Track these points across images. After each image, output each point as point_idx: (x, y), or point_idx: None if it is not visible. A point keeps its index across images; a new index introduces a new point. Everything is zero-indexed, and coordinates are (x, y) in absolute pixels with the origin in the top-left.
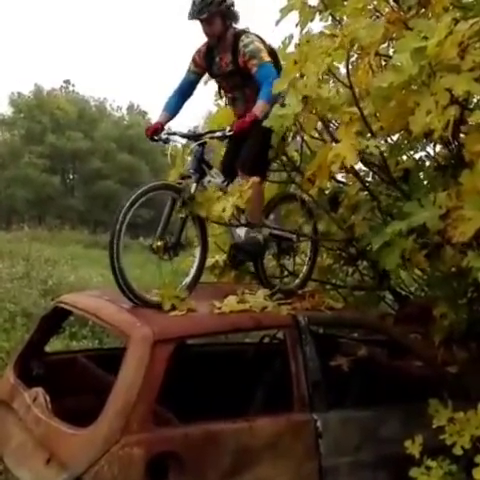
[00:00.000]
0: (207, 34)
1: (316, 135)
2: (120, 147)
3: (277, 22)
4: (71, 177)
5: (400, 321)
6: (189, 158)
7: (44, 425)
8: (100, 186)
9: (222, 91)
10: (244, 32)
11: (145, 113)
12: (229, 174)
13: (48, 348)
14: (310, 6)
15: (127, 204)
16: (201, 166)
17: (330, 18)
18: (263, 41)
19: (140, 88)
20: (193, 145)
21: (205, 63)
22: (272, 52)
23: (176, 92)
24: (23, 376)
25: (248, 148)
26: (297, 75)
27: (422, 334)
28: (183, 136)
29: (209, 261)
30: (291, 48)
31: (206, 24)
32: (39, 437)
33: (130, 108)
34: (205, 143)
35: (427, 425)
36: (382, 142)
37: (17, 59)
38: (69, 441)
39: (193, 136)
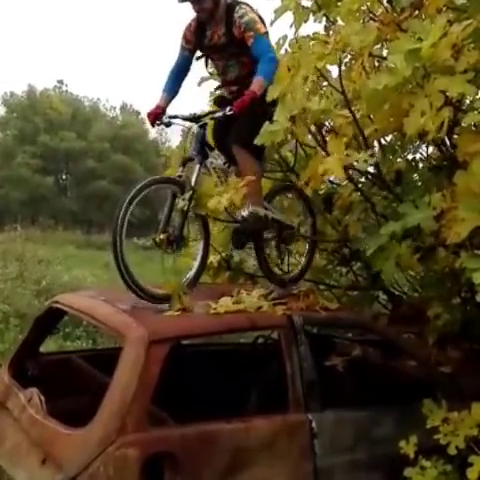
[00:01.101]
0: (198, 12)
1: (309, 138)
2: (114, 147)
3: (272, 23)
4: (64, 177)
5: (394, 321)
6: (191, 141)
7: (39, 426)
8: (94, 186)
9: (209, 61)
10: (237, 3)
11: (138, 113)
12: (222, 150)
13: (42, 348)
14: (304, 7)
15: (128, 198)
16: (203, 148)
17: (324, 19)
18: (254, 11)
19: (133, 88)
20: (194, 127)
21: (195, 37)
22: (261, 20)
23: (172, 72)
24: (18, 376)
25: (243, 123)
26: (289, 84)
27: (416, 334)
28: (185, 119)
29: None
30: (285, 49)
31: (197, 3)
32: (34, 438)
33: (123, 108)
34: (206, 124)
35: (421, 425)
36: (376, 150)
37: (10, 59)
38: (64, 442)
39: (194, 118)
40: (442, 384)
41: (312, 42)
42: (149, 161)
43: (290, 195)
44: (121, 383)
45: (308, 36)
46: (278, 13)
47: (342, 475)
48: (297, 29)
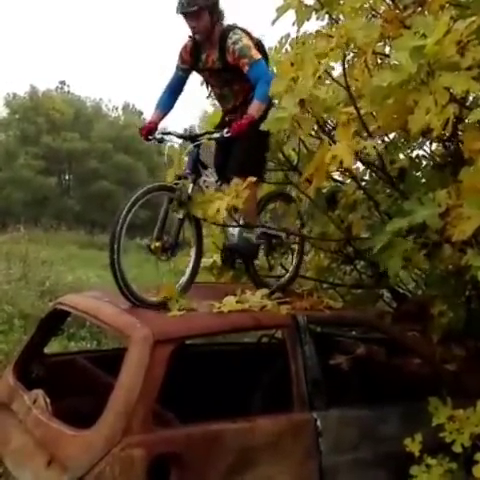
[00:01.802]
0: (193, 29)
1: (313, 133)
2: (116, 147)
3: (273, 21)
4: (67, 178)
5: (398, 319)
6: (186, 159)
7: (44, 427)
8: (96, 186)
9: (209, 87)
10: (231, 28)
11: (141, 113)
12: (222, 174)
13: (46, 349)
14: (306, 5)
15: (126, 206)
16: (197, 167)
17: (327, 17)
18: (250, 36)
19: (135, 88)
20: (190, 146)
21: (191, 59)
22: (259, 45)
23: (167, 89)
24: (23, 378)
25: (242, 150)
26: (292, 78)
27: (420, 332)
28: (179, 136)
29: (207, 261)
30: (286, 48)
31: (193, 19)
32: (39, 439)
33: (126, 108)
34: (201, 144)
35: (427, 423)
36: (379, 142)
37: (12, 60)
38: (70, 443)
39: (189, 137)
40: (447, 382)
41: (315, 38)
42: (152, 161)
43: (281, 202)
44: (126, 384)
45: (311, 33)
46: (280, 11)
47: (347, 474)
48: (299, 27)
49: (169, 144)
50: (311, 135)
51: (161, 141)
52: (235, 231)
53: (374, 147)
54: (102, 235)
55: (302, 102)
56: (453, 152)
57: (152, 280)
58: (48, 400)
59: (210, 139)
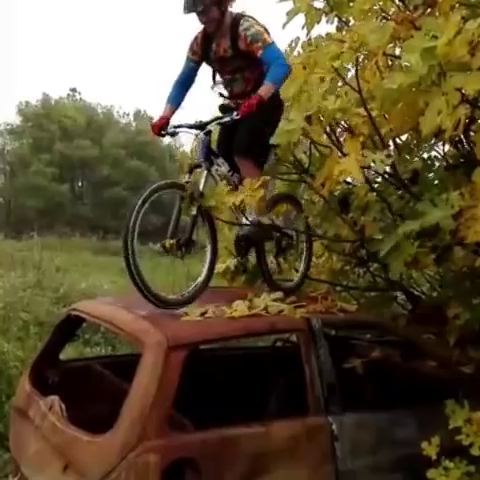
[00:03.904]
0: (205, 24)
1: (324, 138)
2: (128, 153)
3: (284, 25)
4: (80, 184)
5: (413, 322)
6: (197, 148)
7: (60, 433)
8: (109, 193)
9: (216, 73)
10: (242, 16)
11: (151, 118)
12: (227, 157)
13: (62, 355)
14: (316, 8)
15: (138, 203)
16: (209, 155)
17: (336, 20)
18: (259, 23)
19: (146, 94)
20: (200, 134)
21: (202, 50)
22: (267, 32)
23: (177, 82)
24: (38, 384)
25: (245, 130)
26: (304, 82)
27: (436, 334)
28: (190, 127)
29: (220, 266)
30: (297, 51)
31: (202, 15)
32: (55, 445)
33: (137, 114)
34: (211, 132)
35: (443, 426)
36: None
37: (24, 69)
38: (85, 449)
39: (200, 126)
40: (464, 384)
41: (328, 41)
42: (164, 166)
43: (288, 204)
44: (141, 389)
45: (323, 37)
46: (290, 15)
47: (364, 478)
48: (309, 31)
49: (182, 149)
50: (320, 144)
51: (173, 135)
52: (250, 218)
53: (382, 161)
54: (115, 241)
55: (309, 118)
56: (466, 153)
57: (165, 285)
58: (64, 406)
59: (220, 124)
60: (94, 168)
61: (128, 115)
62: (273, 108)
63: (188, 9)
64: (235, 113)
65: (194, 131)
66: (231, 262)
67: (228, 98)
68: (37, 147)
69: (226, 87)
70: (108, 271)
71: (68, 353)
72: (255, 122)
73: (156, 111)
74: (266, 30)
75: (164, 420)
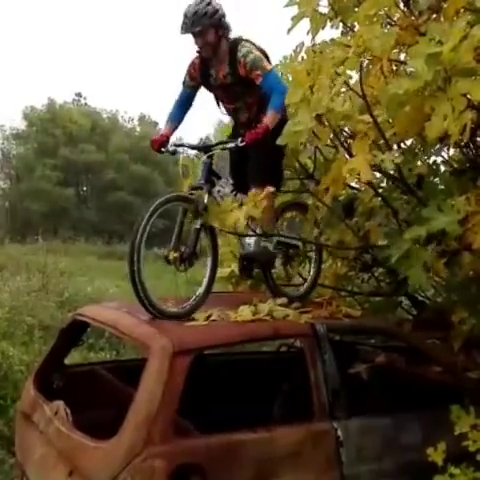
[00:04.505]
0: (201, 47)
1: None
2: (133, 158)
3: (289, 30)
4: (85, 189)
5: (418, 327)
6: (199, 170)
7: (65, 438)
8: (113, 197)
9: (220, 102)
10: (239, 41)
11: (156, 123)
12: (240, 184)
13: (67, 360)
14: (321, 13)
15: (145, 217)
16: (211, 177)
17: (341, 25)
18: (257, 47)
19: (151, 98)
20: (204, 157)
21: (200, 76)
22: (265, 55)
23: (177, 104)
24: (43, 389)
25: (258, 160)
26: (309, 87)
27: (441, 339)
28: (192, 147)
29: (225, 271)
30: (301, 56)
31: (199, 37)
32: (61, 450)
33: (141, 119)
34: (213, 155)
35: (449, 432)
36: (396, 154)
37: (30, 74)
38: (91, 454)
39: (203, 147)
40: (469, 390)
41: (332, 47)
42: (168, 171)
43: (297, 211)
44: (146, 394)
45: (326, 42)
46: (295, 20)
47: None
48: (314, 36)
49: (184, 155)
50: (327, 145)
51: (174, 153)
52: (252, 240)
53: (392, 161)
54: (119, 245)
55: (319, 117)
56: (472, 158)
57: (170, 290)
58: (69, 411)
59: (224, 149)
60: (99, 172)
61: (133, 120)
62: (280, 133)
63: (185, 30)
64: (240, 139)
65: (194, 152)
66: (236, 266)
67: (235, 125)
68: (42, 151)
69: (231, 116)
70: (113, 275)
71: (73, 358)
72: (265, 151)
73: (161, 116)
74: (264, 53)
75: (169, 425)
